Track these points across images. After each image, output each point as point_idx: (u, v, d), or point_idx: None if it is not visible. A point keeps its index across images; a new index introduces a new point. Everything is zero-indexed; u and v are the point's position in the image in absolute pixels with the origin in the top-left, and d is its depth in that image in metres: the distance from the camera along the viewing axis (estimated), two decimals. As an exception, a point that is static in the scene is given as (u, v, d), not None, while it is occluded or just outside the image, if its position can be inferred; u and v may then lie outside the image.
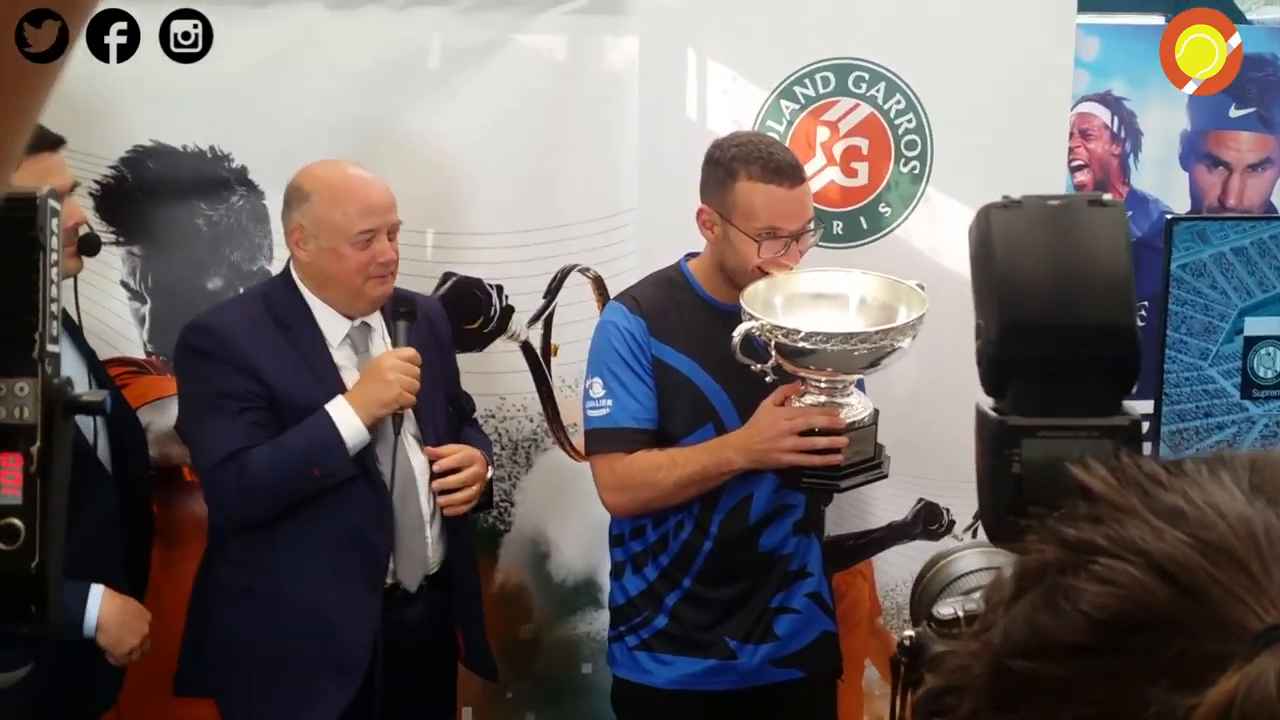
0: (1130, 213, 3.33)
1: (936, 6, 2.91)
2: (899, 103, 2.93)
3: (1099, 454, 0.58)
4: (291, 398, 2.40)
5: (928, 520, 3.09)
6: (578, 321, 2.97)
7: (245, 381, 2.38)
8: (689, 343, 2.46)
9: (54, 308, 0.95)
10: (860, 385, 2.52)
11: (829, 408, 2.32)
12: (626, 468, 2.45)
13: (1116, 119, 3.23)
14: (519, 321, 3.04)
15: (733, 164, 2.40)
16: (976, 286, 0.79)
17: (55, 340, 0.96)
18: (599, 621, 3.09)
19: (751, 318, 2.25)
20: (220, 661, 2.50)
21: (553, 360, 3.08)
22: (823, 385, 2.32)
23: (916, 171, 2.96)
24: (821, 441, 2.30)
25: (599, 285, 3.02)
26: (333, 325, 2.49)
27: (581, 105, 2.97)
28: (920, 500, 3.08)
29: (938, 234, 2.95)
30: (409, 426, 2.49)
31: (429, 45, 2.91)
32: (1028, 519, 0.58)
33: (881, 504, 3.08)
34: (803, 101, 2.93)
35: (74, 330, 2.40)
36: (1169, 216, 2.72)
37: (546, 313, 3.05)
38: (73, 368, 2.36)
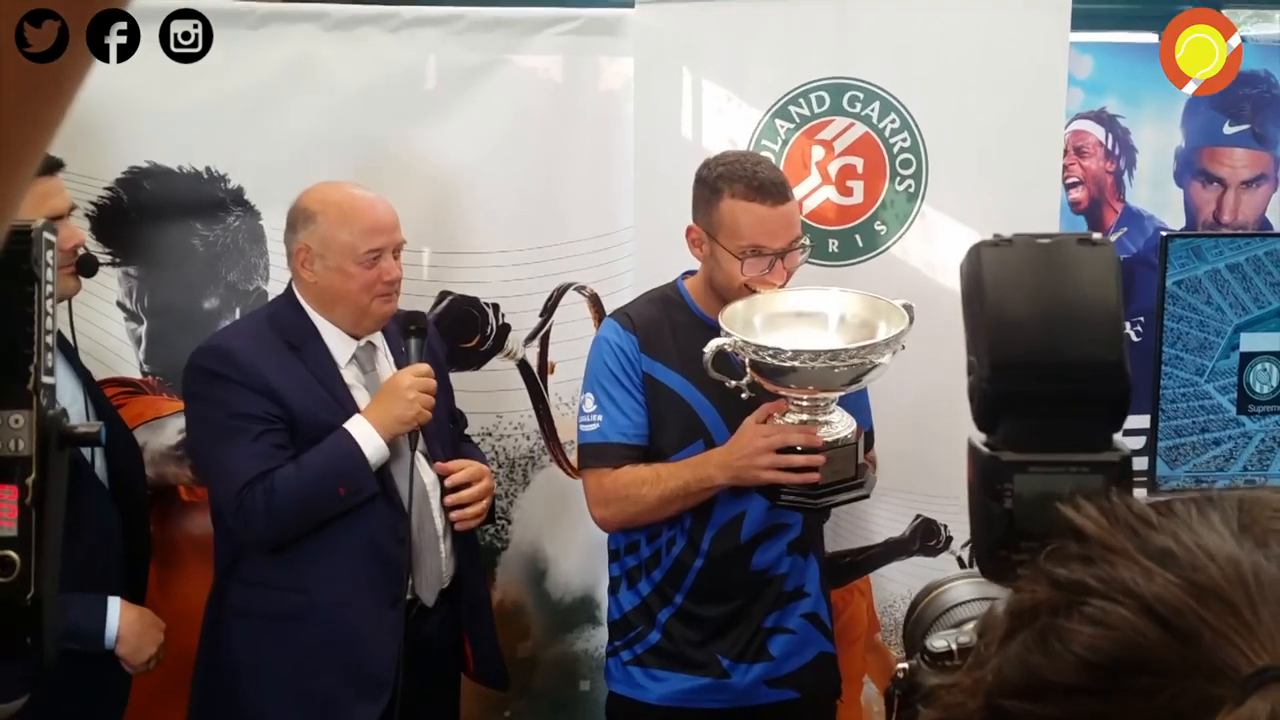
0: (1125, 229, 3.36)
1: (931, 26, 2.92)
2: (894, 121, 2.94)
3: (1090, 489, 0.59)
4: (310, 418, 2.42)
5: (925, 536, 3.09)
6: (574, 340, 2.97)
7: (263, 403, 2.39)
8: (681, 360, 2.47)
9: (49, 339, 0.95)
10: (863, 401, 2.53)
11: (808, 426, 2.32)
12: (613, 482, 2.47)
13: (1111, 136, 3.25)
14: (516, 340, 3.05)
15: (718, 182, 2.42)
16: (968, 324, 0.80)
17: (50, 371, 0.96)
18: (597, 639, 3.09)
19: (727, 334, 2.26)
20: (236, 685, 2.49)
21: (549, 378, 3.09)
22: (804, 403, 2.32)
23: (912, 190, 2.97)
24: (798, 459, 2.30)
25: (595, 303, 3.03)
26: (339, 345, 2.51)
27: (577, 125, 2.98)
28: (918, 516, 3.08)
29: (933, 251, 2.96)
30: (419, 443, 2.52)
31: (425, 66, 2.93)
32: (1020, 554, 0.58)
33: (879, 520, 3.08)
34: (798, 121, 2.94)
35: (69, 352, 2.41)
36: (1164, 234, 2.73)
37: (543, 331, 3.06)
38: (69, 389, 2.36)
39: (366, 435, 2.41)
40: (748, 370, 2.27)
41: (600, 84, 3.00)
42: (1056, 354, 0.76)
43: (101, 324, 2.84)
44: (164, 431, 2.84)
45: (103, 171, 2.80)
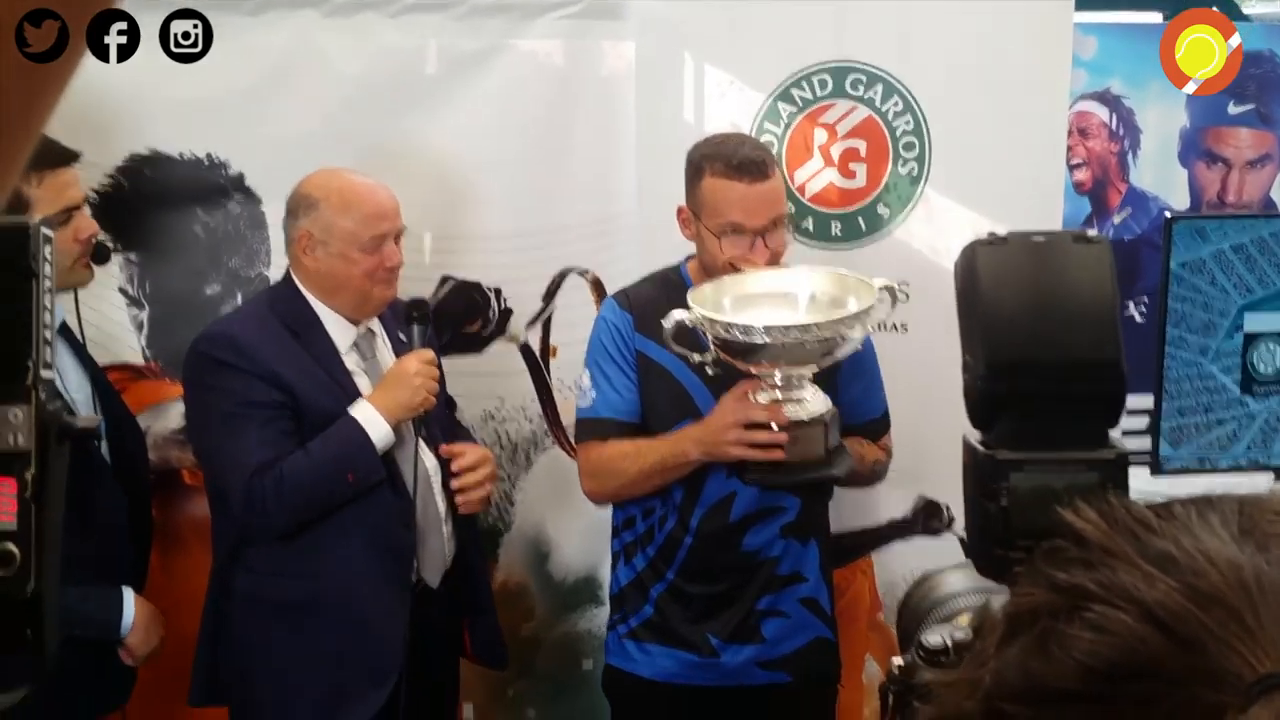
0: (1129, 210, 3.35)
1: (933, 8, 2.90)
2: (896, 104, 2.93)
3: (1086, 487, 0.58)
4: (314, 404, 2.42)
5: (928, 517, 3.10)
6: (576, 323, 2.96)
7: (269, 390, 2.40)
8: None
9: (47, 334, 0.96)
10: (875, 387, 2.54)
11: (774, 403, 2.32)
12: (599, 455, 2.51)
13: (1115, 117, 3.23)
14: (518, 324, 3.05)
15: (701, 162, 2.44)
16: (963, 323, 0.80)
17: (49, 366, 0.96)
18: (599, 619, 3.10)
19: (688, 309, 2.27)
20: (240, 672, 2.50)
21: (551, 361, 3.09)
22: (776, 381, 2.32)
23: (915, 172, 2.96)
24: (761, 436, 2.30)
25: (597, 287, 3.03)
26: (340, 331, 2.51)
27: (579, 109, 2.97)
28: (920, 497, 3.08)
29: (936, 234, 2.95)
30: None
31: (426, 51, 2.91)
32: (1016, 551, 0.58)
33: (882, 501, 3.09)
34: (800, 104, 2.92)
35: (77, 345, 2.42)
36: (1168, 215, 2.72)
37: (545, 315, 3.06)
38: (76, 380, 2.37)
39: (373, 421, 2.42)
40: (710, 345, 2.28)
41: (602, 68, 2.98)
42: (1052, 353, 0.75)
43: (104, 309, 2.84)
44: (166, 416, 2.84)
45: (104, 158, 2.80)
